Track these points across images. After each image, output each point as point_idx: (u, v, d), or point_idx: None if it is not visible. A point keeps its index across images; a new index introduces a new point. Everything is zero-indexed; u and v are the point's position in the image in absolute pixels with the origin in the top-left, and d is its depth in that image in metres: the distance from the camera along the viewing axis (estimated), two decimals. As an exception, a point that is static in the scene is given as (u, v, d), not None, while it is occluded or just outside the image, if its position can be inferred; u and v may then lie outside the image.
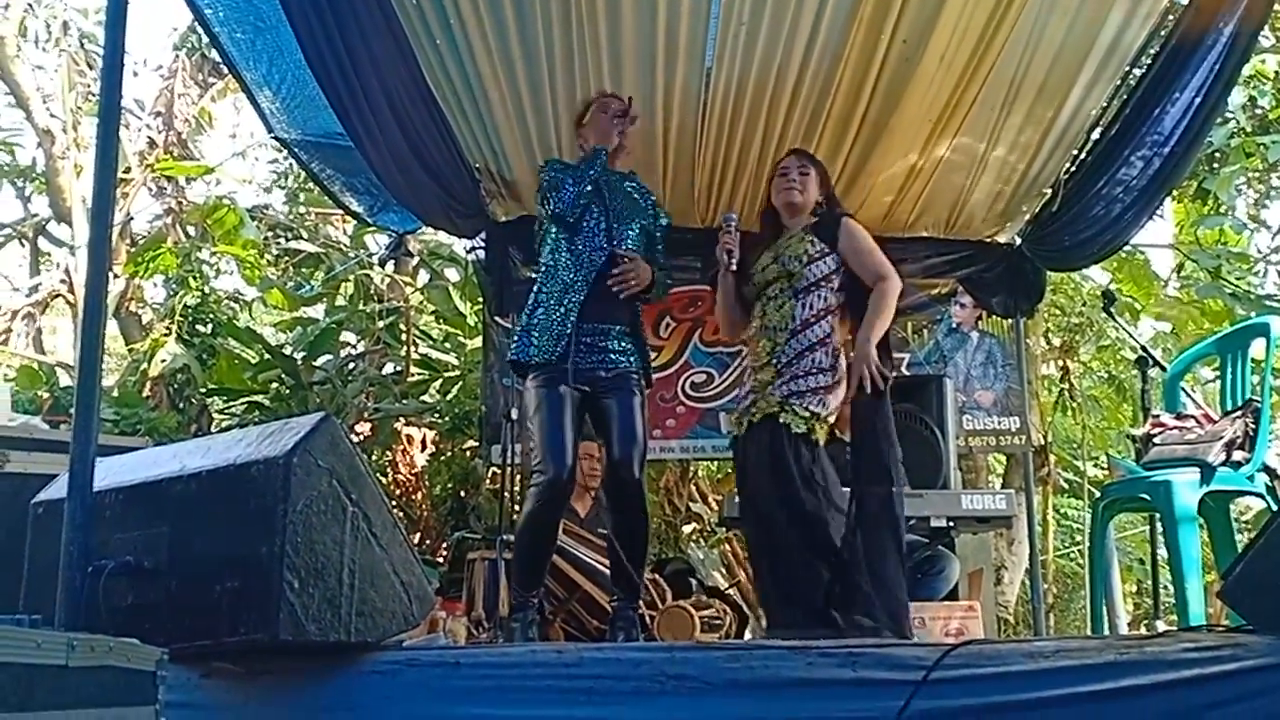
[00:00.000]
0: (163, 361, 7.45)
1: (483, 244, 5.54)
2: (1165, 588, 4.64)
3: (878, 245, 3.69)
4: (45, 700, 1.40)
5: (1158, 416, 4.12)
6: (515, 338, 3.61)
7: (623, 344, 3.55)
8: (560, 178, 3.61)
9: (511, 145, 5.02)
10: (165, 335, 7.74)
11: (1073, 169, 5.21)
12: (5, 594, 2.56)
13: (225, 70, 8.02)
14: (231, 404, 8.33)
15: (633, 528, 3.49)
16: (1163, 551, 3.99)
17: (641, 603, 3.68)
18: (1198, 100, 4.49)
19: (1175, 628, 3.63)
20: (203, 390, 7.96)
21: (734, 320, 3.83)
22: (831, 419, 3.51)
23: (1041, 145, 5.06)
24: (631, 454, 3.43)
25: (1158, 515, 3.99)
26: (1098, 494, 5.27)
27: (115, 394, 7.55)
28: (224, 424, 8.03)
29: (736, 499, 3.83)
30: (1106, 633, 4.33)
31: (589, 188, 3.57)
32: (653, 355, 5.82)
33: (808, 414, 3.43)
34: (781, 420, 3.42)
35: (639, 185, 3.82)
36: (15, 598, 2.47)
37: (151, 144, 9.13)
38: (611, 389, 3.50)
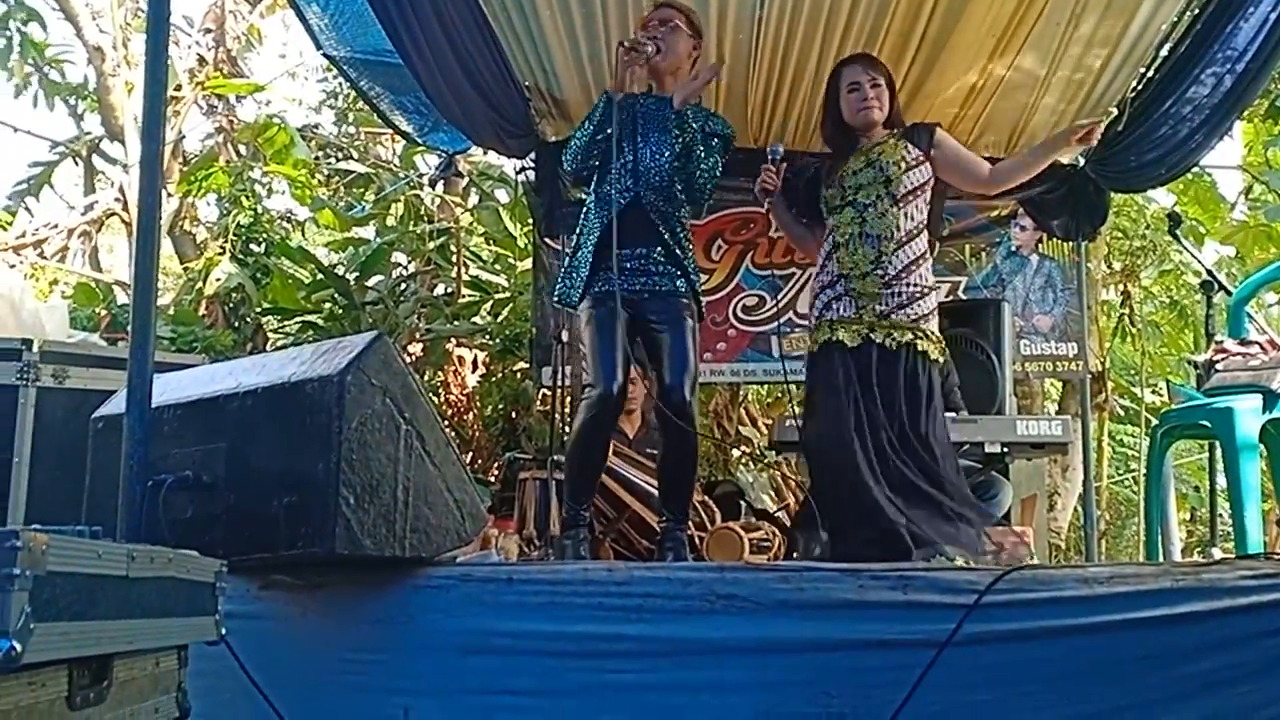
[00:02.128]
0: (217, 280, 7.53)
1: (532, 164, 5.49)
2: (1221, 516, 4.58)
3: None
4: (107, 609, 1.42)
5: (1221, 342, 4.04)
6: (561, 279, 3.61)
7: (664, 266, 3.50)
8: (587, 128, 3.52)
9: (562, 63, 4.94)
10: (219, 254, 7.81)
11: (1140, 87, 5.03)
12: (69, 505, 2.62)
13: (274, -15, 8.00)
14: (286, 323, 8.43)
15: (683, 450, 3.49)
16: (1221, 480, 3.94)
17: (691, 524, 3.70)
18: (1273, 14, 4.30)
19: (1232, 555, 3.60)
20: (258, 309, 8.05)
21: (802, 238, 3.77)
22: None
23: (1108, 62, 4.88)
24: (683, 381, 3.42)
25: (1217, 442, 3.93)
26: (1156, 421, 5.19)
27: (172, 312, 7.66)
28: (279, 343, 8.13)
29: (811, 416, 3.53)
30: (1161, 560, 4.29)
31: (602, 136, 3.45)
32: (704, 278, 5.78)
33: (937, 339, 3.45)
34: (920, 348, 3.40)
35: (695, 111, 3.61)
36: (78, 510, 2.53)
37: (201, 61, 9.11)
38: (662, 316, 3.47)
